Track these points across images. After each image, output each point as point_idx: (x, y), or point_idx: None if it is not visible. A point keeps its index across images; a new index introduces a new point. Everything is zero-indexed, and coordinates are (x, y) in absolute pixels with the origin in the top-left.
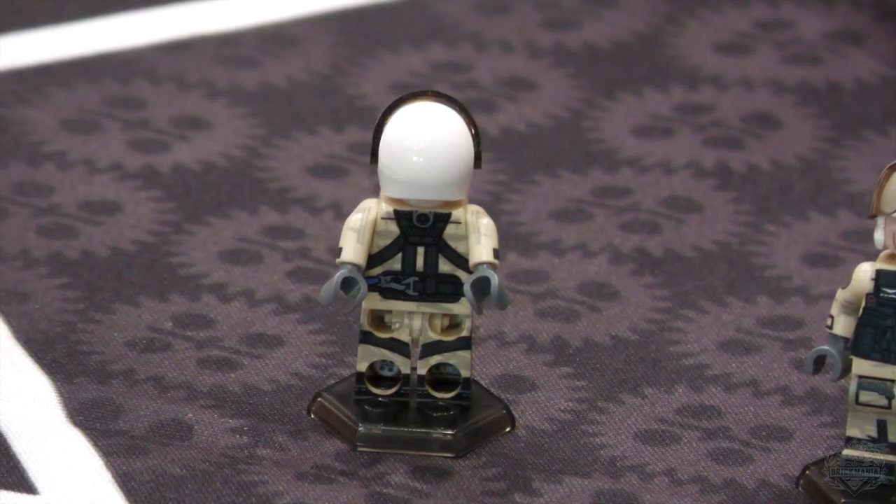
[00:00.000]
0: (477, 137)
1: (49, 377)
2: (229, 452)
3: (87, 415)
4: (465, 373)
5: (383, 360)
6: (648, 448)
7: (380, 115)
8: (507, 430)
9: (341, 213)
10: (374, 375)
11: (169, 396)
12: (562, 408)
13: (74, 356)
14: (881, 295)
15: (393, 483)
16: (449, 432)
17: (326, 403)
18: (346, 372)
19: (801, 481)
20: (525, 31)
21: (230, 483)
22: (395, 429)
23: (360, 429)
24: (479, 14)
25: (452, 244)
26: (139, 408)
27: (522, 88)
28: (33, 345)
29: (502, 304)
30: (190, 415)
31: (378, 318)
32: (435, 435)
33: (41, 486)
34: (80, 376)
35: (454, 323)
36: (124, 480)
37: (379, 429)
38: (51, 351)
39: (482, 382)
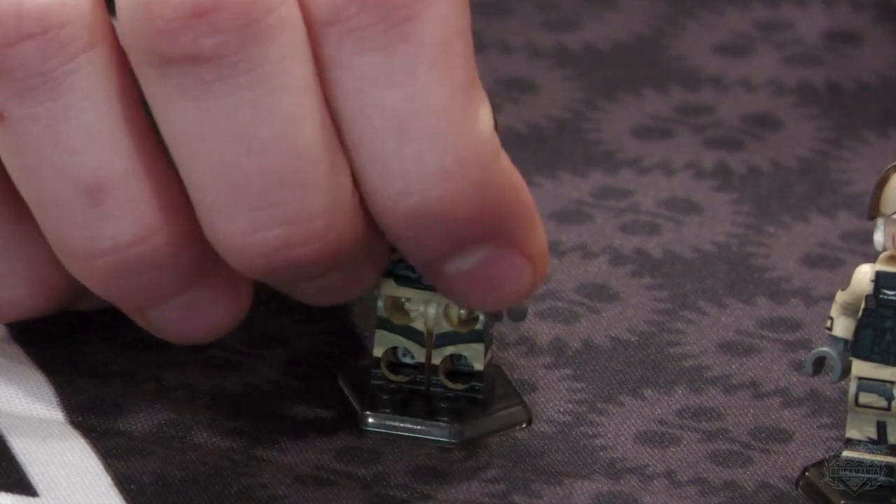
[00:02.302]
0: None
1: (49, 378)
2: (229, 454)
3: (86, 416)
4: (478, 366)
5: (405, 347)
6: (648, 449)
7: None
8: (523, 425)
9: None
10: (397, 362)
11: (169, 397)
12: (561, 409)
13: (74, 357)
14: (881, 296)
15: (393, 484)
16: (453, 424)
17: (342, 382)
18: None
19: (801, 483)
20: (525, 32)
21: (230, 484)
22: (400, 416)
23: (367, 413)
24: (480, 15)
25: None
26: (139, 409)
27: (522, 89)
28: (33, 345)
29: (516, 318)
30: (189, 416)
31: (398, 305)
32: (439, 425)
33: (41, 488)
34: (80, 377)
35: (472, 316)
36: (124, 482)
37: (385, 413)
38: (50, 352)
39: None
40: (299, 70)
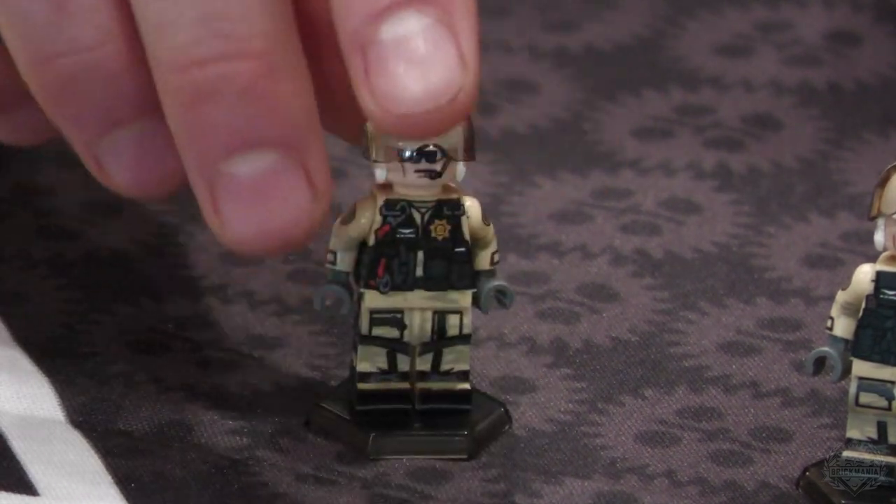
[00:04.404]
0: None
1: (49, 378)
2: (229, 454)
3: (87, 416)
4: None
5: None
6: (648, 449)
7: None
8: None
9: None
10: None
11: (169, 398)
12: (562, 409)
13: (75, 357)
14: (881, 296)
15: (393, 484)
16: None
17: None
18: (345, 373)
19: (802, 483)
20: (525, 32)
21: (230, 484)
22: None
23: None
24: (480, 16)
25: None
26: (139, 409)
27: (523, 90)
28: (33, 346)
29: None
30: (190, 416)
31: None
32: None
33: (41, 488)
34: (81, 377)
35: None
36: (124, 482)
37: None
38: (51, 352)
39: (481, 385)
40: None
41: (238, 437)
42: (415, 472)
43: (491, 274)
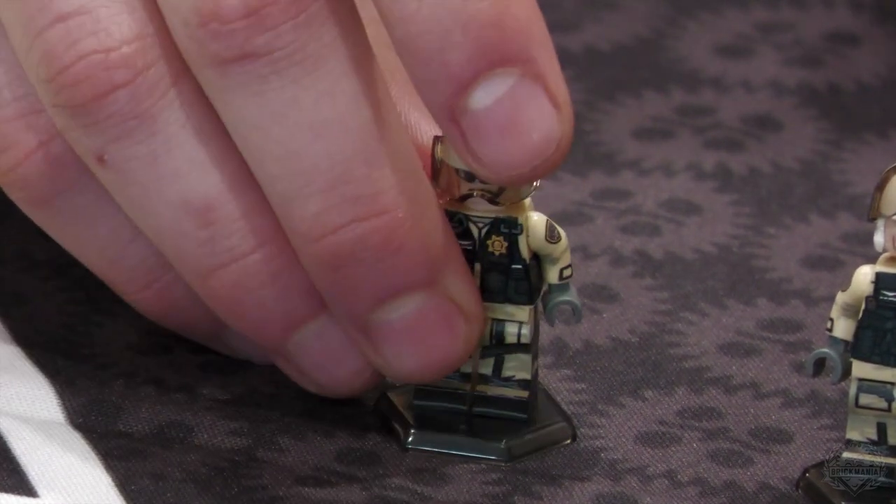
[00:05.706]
0: None
1: (49, 380)
2: (229, 455)
3: (87, 417)
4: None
5: None
6: (648, 450)
7: None
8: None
9: None
10: None
11: (169, 399)
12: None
13: (75, 359)
14: (881, 298)
15: (393, 485)
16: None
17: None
18: None
19: (801, 483)
20: None
21: (230, 485)
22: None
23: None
24: None
25: None
26: (139, 410)
27: None
28: (34, 347)
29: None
30: (190, 417)
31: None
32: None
33: (41, 489)
34: (81, 379)
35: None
36: (124, 483)
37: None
38: (51, 353)
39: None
40: (353, 49)
41: (238, 438)
42: (414, 473)
43: (561, 288)
